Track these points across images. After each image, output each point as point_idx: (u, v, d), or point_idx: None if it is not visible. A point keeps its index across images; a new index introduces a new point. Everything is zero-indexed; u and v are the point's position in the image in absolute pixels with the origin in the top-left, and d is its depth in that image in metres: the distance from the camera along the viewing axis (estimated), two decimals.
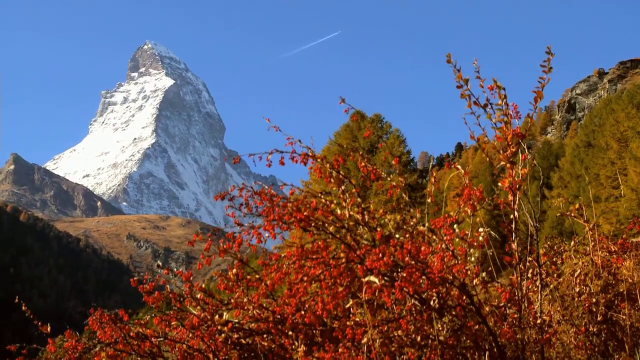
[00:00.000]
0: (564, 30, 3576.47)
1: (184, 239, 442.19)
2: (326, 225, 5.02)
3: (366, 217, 5.14)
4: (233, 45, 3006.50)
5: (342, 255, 4.78)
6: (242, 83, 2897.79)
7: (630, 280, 6.09)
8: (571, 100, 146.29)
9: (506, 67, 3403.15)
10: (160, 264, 7.06)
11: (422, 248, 4.78)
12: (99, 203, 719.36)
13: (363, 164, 5.88)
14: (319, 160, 5.57)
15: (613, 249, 7.13)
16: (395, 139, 48.79)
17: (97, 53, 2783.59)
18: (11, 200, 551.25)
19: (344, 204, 5.22)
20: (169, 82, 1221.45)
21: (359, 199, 5.27)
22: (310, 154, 5.68)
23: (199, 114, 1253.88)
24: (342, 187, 5.47)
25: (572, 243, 7.20)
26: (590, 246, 6.66)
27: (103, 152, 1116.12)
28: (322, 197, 5.39)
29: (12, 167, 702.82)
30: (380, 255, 4.57)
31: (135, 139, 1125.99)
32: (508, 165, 5.00)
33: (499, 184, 5.06)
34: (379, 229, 5.01)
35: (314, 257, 4.79)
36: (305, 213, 5.01)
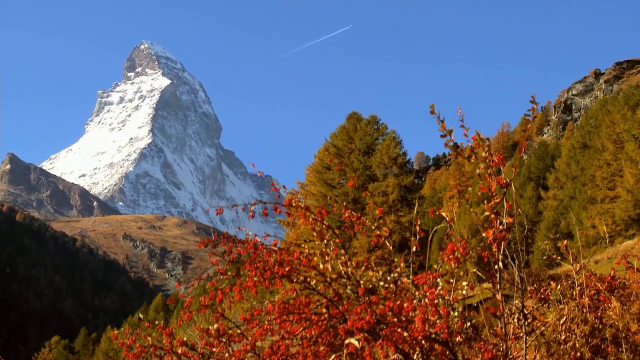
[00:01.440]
0: (560, 30, 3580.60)
1: (181, 239, 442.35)
2: (308, 280, 4.97)
3: (349, 270, 5.11)
4: (230, 45, 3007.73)
5: (324, 310, 4.79)
6: (238, 83, 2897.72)
7: (617, 325, 6.09)
8: (567, 100, 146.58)
9: (503, 65, 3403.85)
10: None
11: (405, 305, 4.76)
12: (95, 203, 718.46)
13: (347, 213, 5.85)
14: (302, 209, 5.52)
15: (601, 288, 7.05)
16: (391, 141, 48.85)
17: (93, 53, 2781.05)
18: (7, 200, 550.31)
19: (326, 257, 5.15)
20: (165, 82, 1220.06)
21: (342, 251, 5.21)
22: (294, 203, 5.66)
23: (195, 114, 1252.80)
24: (325, 241, 5.43)
25: (559, 287, 7.15)
26: (577, 290, 6.62)
27: (99, 152, 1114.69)
28: (306, 246, 5.34)
29: (8, 166, 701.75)
30: (362, 314, 4.59)
31: (131, 138, 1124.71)
32: (492, 215, 4.98)
33: (484, 234, 5.05)
34: (362, 282, 4.98)
35: (296, 312, 4.80)
36: (287, 269, 4.99)
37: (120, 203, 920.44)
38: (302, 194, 53.24)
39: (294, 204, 5.58)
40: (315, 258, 5.14)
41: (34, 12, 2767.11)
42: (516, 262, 5.69)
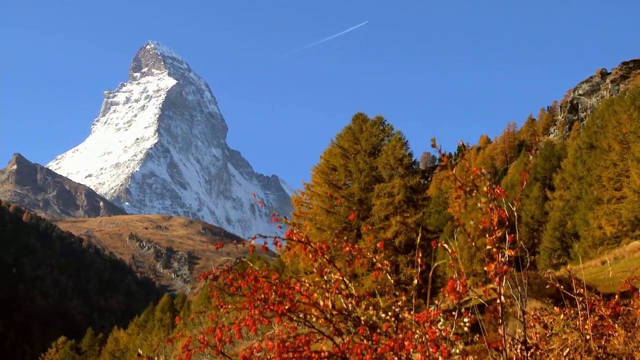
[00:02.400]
0: (566, 30, 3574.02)
1: (187, 239, 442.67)
2: (308, 317, 4.93)
3: (350, 305, 5.04)
4: (235, 44, 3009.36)
5: (324, 348, 4.73)
6: (244, 83, 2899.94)
7: (621, 355, 6.01)
8: (574, 100, 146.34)
9: (509, 65, 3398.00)
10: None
11: (406, 343, 4.69)
12: (101, 203, 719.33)
13: (347, 248, 5.76)
14: (303, 241, 5.44)
15: (605, 313, 6.91)
16: (397, 142, 48.70)
17: (99, 53, 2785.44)
18: (14, 200, 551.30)
19: (327, 294, 5.12)
20: (171, 82, 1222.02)
21: (342, 286, 5.13)
22: (295, 237, 5.59)
23: (201, 114, 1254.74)
24: (325, 277, 5.35)
25: (562, 316, 7.02)
26: (581, 321, 6.48)
27: (105, 152, 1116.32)
28: (306, 281, 5.26)
29: (14, 167, 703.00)
30: (362, 354, 4.53)
31: (137, 139, 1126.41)
32: (494, 249, 4.90)
33: (485, 268, 4.97)
34: (363, 319, 4.91)
35: (297, 350, 4.74)
36: (287, 306, 4.92)
37: (127, 203, 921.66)
38: (308, 195, 53.24)
39: (294, 237, 5.46)
40: (315, 294, 5.07)
41: (40, 12, 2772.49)
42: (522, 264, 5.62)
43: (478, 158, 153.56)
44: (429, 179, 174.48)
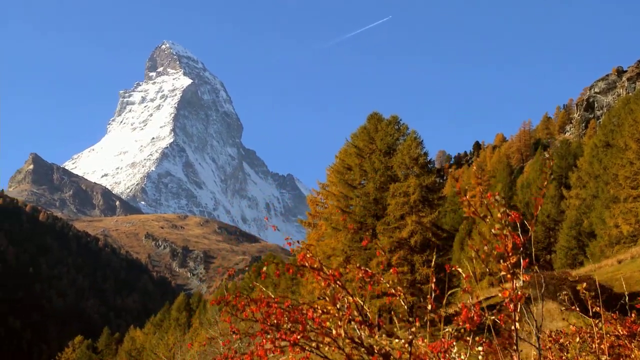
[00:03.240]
0: (581, 27, 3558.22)
1: (202, 238, 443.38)
2: (321, 347, 4.88)
3: (363, 335, 4.99)
4: (250, 43, 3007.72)
5: None
6: (259, 82, 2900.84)
7: None
8: (590, 98, 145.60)
9: (524, 63, 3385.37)
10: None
11: None
12: (117, 202, 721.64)
13: (360, 275, 5.67)
14: (315, 268, 5.37)
15: (621, 333, 6.72)
16: (412, 141, 48.57)
17: (115, 53, 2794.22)
18: (30, 199, 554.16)
19: (339, 322, 5.03)
20: (186, 81, 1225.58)
21: (355, 312, 5.06)
22: (308, 263, 5.52)
23: (216, 113, 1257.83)
24: (339, 305, 5.25)
25: (577, 339, 6.83)
26: (596, 344, 6.31)
27: (121, 152, 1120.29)
28: (319, 307, 5.19)
29: (31, 166, 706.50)
30: None
31: (153, 138, 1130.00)
32: (509, 275, 4.84)
33: (500, 293, 4.92)
34: (376, 348, 4.86)
35: None
36: (299, 336, 4.87)
37: (143, 202, 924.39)
38: (323, 195, 53.19)
39: (307, 264, 5.40)
40: (327, 322, 5.02)
41: (56, 12, 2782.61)
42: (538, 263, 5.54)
43: (494, 156, 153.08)
44: (445, 177, 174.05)
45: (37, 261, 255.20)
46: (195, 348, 59.72)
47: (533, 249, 4.99)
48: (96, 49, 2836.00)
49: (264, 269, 5.77)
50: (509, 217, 5.03)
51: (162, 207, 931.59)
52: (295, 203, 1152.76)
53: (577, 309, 7.10)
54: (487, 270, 4.99)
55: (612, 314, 6.99)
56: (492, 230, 4.94)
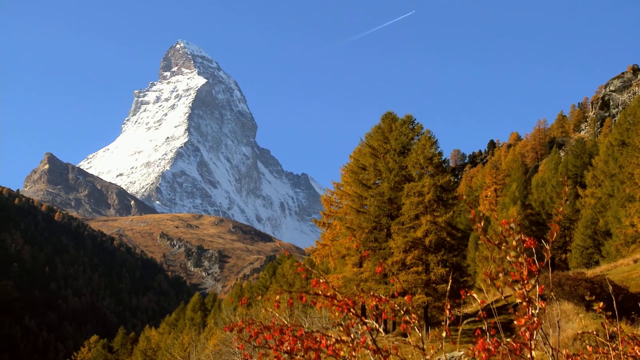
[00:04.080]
0: (597, 25, 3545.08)
1: (217, 237, 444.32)
2: None
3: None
4: (264, 42, 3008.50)
5: None
6: (273, 81, 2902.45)
7: None
8: (605, 97, 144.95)
9: (539, 61, 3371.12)
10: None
11: None
12: (132, 202, 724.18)
13: (374, 303, 5.62)
14: (329, 296, 5.32)
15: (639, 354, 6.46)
16: (427, 141, 48.48)
17: (129, 52, 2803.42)
18: (46, 199, 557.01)
19: (354, 352, 5.02)
20: (201, 81, 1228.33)
21: (369, 341, 5.04)
22: (321, 291, 5.47)
23: (231, 113, 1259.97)
24: (352, 335, 5.20)
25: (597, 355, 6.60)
26: None
27: (136, 151, 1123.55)
28: (332, 336, 5.15)
29: (46, 166, 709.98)
30: None
31: (168, 137, 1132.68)
32: (524, 303, 4.79)
33: (515, 322, 4.88)
34: None
35: None
36: None
37: (157, 202, 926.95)
38: (337, 194, 53.18)
39: (320, 293, 5.37)
40: (341, 352, 4.99)
41: (71, 12, 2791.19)
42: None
43: (508, 155, 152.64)
44: (459, 176, 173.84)
45: (53, 261, 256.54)
46: (209, 347, 59.97)
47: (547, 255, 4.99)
48: (111, 49, 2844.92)
49: (277, 297, 5.69)
50: (524, 243, 5.00)
51: (176, 207, 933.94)
52: (310, 202, 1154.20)
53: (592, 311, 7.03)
54: (502, 270, 4.97)
55: (632, 329, 6.88)
56: (508, 258, 4.90)
